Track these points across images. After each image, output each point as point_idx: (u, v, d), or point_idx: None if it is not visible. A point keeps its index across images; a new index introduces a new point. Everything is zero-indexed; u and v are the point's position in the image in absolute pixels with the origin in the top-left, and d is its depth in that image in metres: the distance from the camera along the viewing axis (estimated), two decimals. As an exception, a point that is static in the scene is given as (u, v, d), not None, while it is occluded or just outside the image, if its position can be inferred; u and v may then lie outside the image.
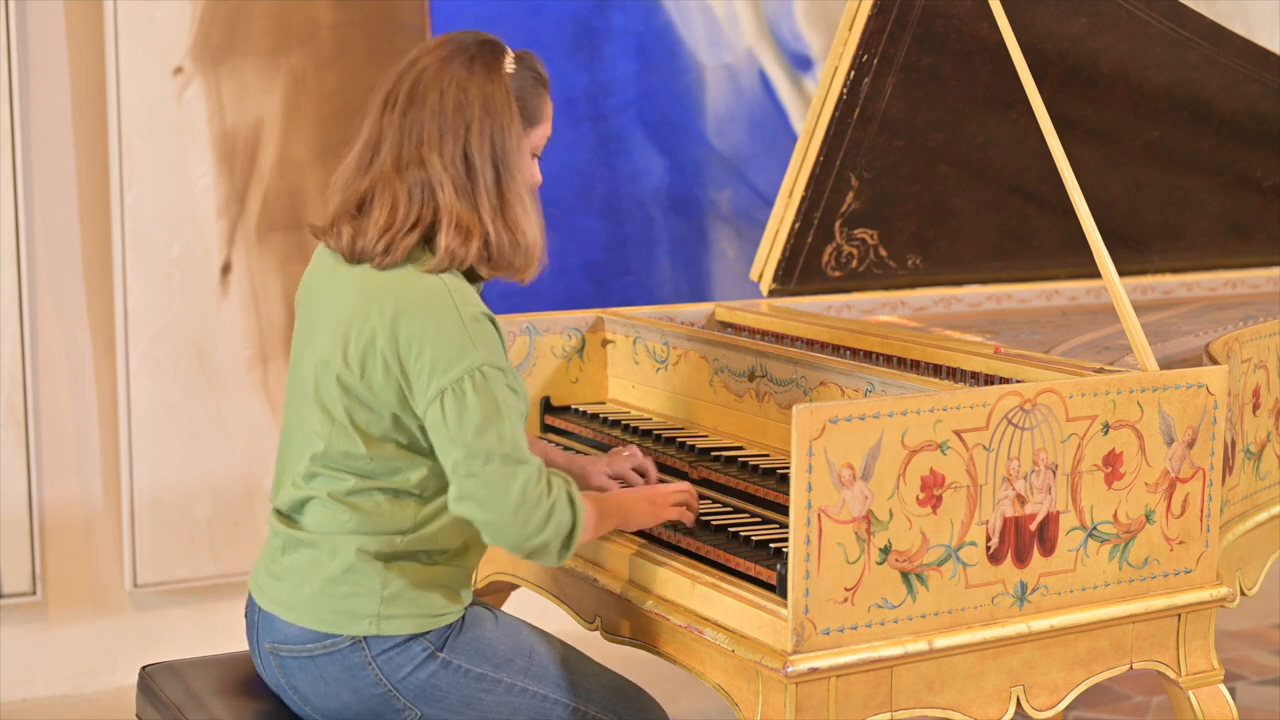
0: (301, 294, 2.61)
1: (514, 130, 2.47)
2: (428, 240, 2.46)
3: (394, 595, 2.46)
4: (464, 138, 2.44)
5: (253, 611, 2.57)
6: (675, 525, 2.63)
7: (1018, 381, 2.66)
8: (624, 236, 4.72)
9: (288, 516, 2.54)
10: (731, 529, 2.58)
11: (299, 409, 2.54)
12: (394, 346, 2.41)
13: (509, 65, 2.49)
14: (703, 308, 3.41)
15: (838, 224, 3.44)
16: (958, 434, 2.37)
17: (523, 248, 2.48)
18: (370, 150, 2.50)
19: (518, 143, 2.48)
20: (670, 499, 2.64)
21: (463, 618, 2.54)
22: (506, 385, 2.41)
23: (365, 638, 2.46)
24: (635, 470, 2.82)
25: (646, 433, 3.03)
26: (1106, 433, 2.50)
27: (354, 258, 2.48)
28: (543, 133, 2.55)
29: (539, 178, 2.56)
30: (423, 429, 2.44)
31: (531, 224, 2.48)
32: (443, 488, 2.47)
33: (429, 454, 2.46)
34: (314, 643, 2.48)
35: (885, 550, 2.33)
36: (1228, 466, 2.72)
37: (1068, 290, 3.73)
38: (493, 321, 2.45)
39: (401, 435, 2.45)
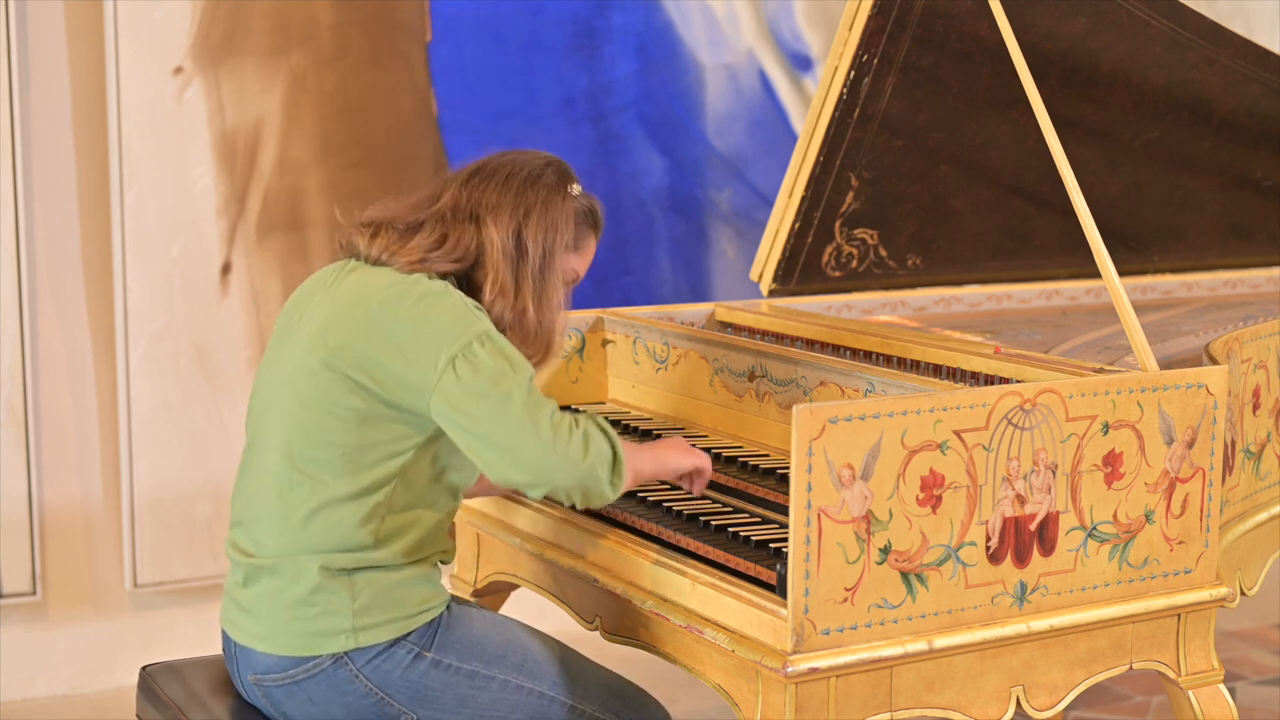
0: (282, 318, 2.61)
1: (565, 236, 2.58)
2: (461, 283, 2.53)
3: (366, 605, 2.45)
4: (521, 219, 2.54)
5: (228, 645, 2.56)
6: (682, 519, 2.63)
7: (1018, 381, 2.66)
8: (624, 236, 4.72)
9: (245, 547, 2.53)
10: (731, 529, 2.58)
11: (261, 430, 2.53)
12: (389, 326, 2.43)
13: (574, 189, 2.61)
14: (703, 308, 3.41)
15: (838, 224, 3.44)
16: (958, 434, 2.37)
17: (545, 339, 2.56)
18: (428, 200, 2.58)
19: (565, 249, 2.58)
20: (693, 455, 2.65)
21: (447, 614, 2.53)
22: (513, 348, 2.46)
23: (347, 652, 2.45)
24: None
25: (646, 433, 3.03)
26: (1106, 433, 2.50)
27: (374, 260, 2.53)
28: (581, 261, 2.66)
29: (580, 274, 2.68)
30: (392, 426, 2.44)
31: (559, 323, 2.58)
32: (402, 498, 2.47)
33: (396, 455, 2.45)
34: (295, 668, 2.47)
35: (885, 550, 2.33)
36: (1228, 466, 2.72)
37: (1068, 290, 3.73)
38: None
39: (371, 430, 2.44)
